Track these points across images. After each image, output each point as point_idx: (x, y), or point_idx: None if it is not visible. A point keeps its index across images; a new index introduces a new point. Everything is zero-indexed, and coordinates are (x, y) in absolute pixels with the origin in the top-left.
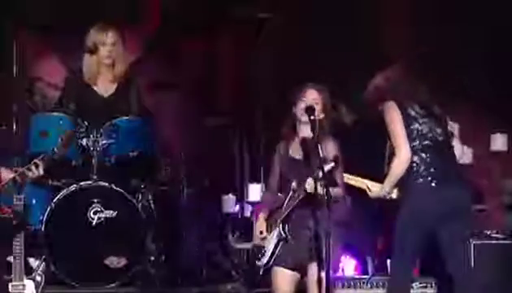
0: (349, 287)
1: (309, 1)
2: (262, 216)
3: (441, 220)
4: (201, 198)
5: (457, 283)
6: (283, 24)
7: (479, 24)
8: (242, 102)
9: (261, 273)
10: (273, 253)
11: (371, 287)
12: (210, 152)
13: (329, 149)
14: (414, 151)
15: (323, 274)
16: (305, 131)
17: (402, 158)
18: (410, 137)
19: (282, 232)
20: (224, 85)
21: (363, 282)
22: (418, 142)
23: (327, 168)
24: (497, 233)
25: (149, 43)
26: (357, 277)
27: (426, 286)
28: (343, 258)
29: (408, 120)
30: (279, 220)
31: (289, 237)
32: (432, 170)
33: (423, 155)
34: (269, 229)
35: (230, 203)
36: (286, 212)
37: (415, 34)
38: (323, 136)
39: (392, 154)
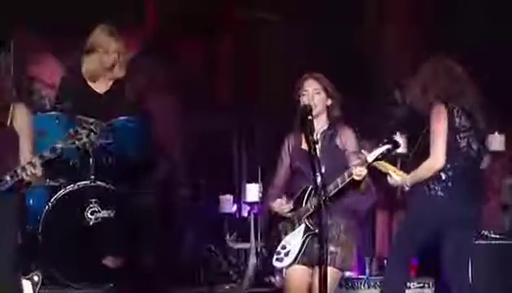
0: (347, 288)
1: (308, 0)
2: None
3: (446, 230)
4: (199, 198)
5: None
6: (283, 24)
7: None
8: (241, 101)
9: (280, 276)
10: (300, 252)
11: (369, 288)
12: (208, 152)
13: (347, 138)
14: None
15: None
16: (318, 124)
17: (436, 166)
18: (447, 147)
19: (310, 226)
20: (223, 85)
21: (361, 283)
22: (450, 155)
23: (383, 148)
24: (494, 233)
25: (147, 43)
26: (354, 277)
27: (423, 286)
28: None
29: (450, 131)
30: (304, 215)
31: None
32: (450, 184)
33: (449, 165)
34: (289, 228)
35: (227, 204)
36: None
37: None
38: (337, 124)
39: (423, 153)
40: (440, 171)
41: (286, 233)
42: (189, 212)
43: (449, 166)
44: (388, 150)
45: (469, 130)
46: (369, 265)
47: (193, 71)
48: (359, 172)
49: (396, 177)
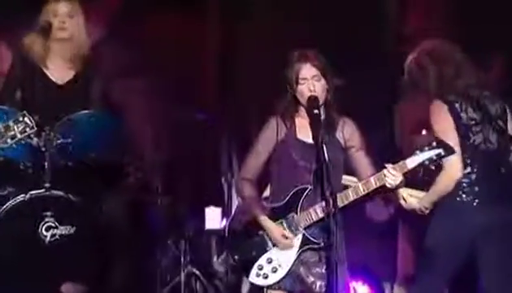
0: None
1: None
2: (264, 218)
3: (480, 243)
4: (179, 210)
5: None
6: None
7: None
8: (229, 93)
9: None
10: (291, 270)
11: None
12: (191, 154)
13: (348, 131)
14: None
15: None
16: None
17: (454, 174)
18: (460, 148)
19: (312, 238)
20: (207, 73)
21: None
22: (466, 154)
23: (430, 154)
24: None
25: (113, 23)
26: None
27: None
28: (353, 284)
29: (459, 130)
30: (303, 224)
31: (322, 243)
32: (477, 189)
33: (469, 169)
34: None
35: (214, 217)
36: (324, 214)
37: None
38: (336, 113)
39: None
40: (461, 178)
41: (272, 243)
42: (168, 228)
43: (469, 169)
44: (437, 156)
45: (481, 122)
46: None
47: (170, 55)
48: (393, 179)
49: (410, 200)
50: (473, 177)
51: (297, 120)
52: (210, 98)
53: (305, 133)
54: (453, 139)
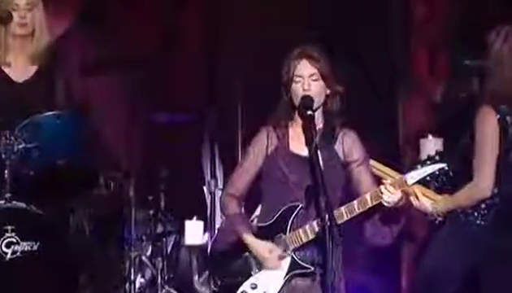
0: None
1: None
2: (249, 235)
3: (487, 269)
4: (156, 223)
5: None
6: None
7: None
8: (212, 92)
9: None
10: None
11: None
12: (169, 161)
13: (349, 143)
14: None
15: None
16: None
17: (483, 191)
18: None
19: (301, 262)
20: (187, 70)
21: None
22: (498, 173)
23: (433, 167)
24: None
25: (82, 11)
26: None
27: None
28: None
29: (503, 145)
30: (293, 245)
31: (317, 270)
32: (493, 213)
33: (495, 190)
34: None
35: (196, 231)
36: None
37: None
38: (337, 123)
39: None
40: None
41: (258, 267)
42: (143, 244)
43: (496, 191)
44: (441, 171)
45: None
46: None
47: (147, 47)
48: (391, 196)
49: (423, 200)
50: (496, 199)
51: (291, 130)
52: (192, 98)
53: (299, 145)
54: (489, 152)
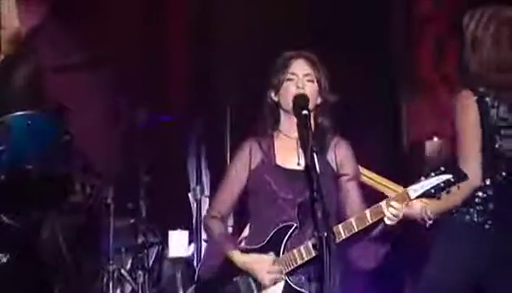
0: None
1: None
2: (237, 252)
3: (491, 276)
4: (137, 234)
5: None
6: None
7: None
8: (200, 91)
9: None
10: None
11: None
12: (152, 165)
13: (341, 154)
14: None
15: None
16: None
17: (473, 181)
18: (481, 153)
19: (295, 285)
20: (174, 67)
21: None
22: (486, 162)
23: (438, 179)
24: None
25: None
26: None
27: None
28: None
29: (486, 130)
30: (286, 268)
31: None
32: (492, 207)
33: (488, 180)
34: (253, 285)
35: (180, 242)
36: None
37: None
38: (329, 131)
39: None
40: (475, 190)
41: (249, 292)
42: (123, 256)
43: (488, 182)
44: (447, 183)
45: None
46: None
47: (127, 41)
48: (394, 212)
49: (414, 202)
50: (490, 191)
51: (277, 142)
52: (178, 97)
53: (286, 158)
54: (474, 139)
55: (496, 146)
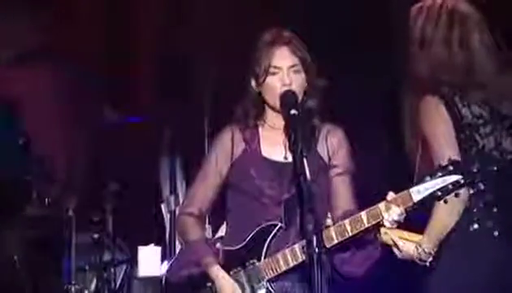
0: None
1: None
2: (217, 268)
3: (504, 285)
4: (103, 250)
5: None
6: None
7: None
8: (174, 89)
9: None
10: None
11: None
12: (120, 169)
13: (334, 144)
14: None
15: None
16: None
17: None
18: (463, 158)
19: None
20: (144, 63)
21: None
22: (474, 166)
23: (445, 180)
24: None
25: None
26: None
27: None
28: None
29: (461, 130)
30: (268, 274)
31: None
32: (495, 210)
33: (481, 185)
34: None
35: (151, 260)
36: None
37: None
38: (317, 122)
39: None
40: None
41: None
42: (87, 273)
43: (481, 186)
44: (456, 185)
45: (492, 122)
46: None
47: (92, 34)
48: (394, 215)
49: (407, 246)
50: (487, 196)
51: (262, 131)
52: (148, 95)
53: (272, 149)
54: (452, 147)
55: (480, 146)
